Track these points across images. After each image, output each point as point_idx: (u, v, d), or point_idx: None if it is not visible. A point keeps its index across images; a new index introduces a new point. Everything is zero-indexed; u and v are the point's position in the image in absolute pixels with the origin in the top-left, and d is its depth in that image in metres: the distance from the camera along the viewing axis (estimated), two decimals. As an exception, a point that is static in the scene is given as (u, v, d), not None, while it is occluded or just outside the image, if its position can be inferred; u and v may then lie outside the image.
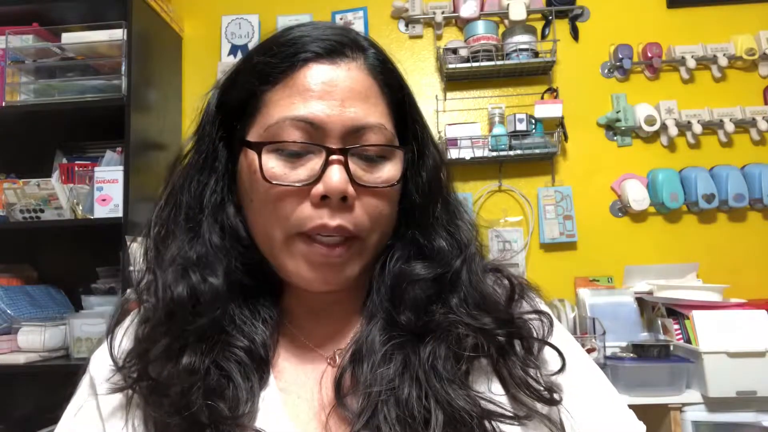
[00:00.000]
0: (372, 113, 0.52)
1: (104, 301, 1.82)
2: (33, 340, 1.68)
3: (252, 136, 0.53)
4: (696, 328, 1.52)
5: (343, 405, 0.50)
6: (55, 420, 0.59)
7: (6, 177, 1.91)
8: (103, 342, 0.58)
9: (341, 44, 0.53)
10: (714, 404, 1.46)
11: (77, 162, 1.95)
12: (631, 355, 1.56)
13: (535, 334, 0.55)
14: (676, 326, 1.65)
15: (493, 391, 0.51)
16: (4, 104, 1.85)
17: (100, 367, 0.56)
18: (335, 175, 0.50)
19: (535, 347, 0.54)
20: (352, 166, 0.51)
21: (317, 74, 0.52)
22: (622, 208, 2.04)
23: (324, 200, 0.50)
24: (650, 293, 1.80)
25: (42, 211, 1.76)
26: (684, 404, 1.48)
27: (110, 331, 0.55)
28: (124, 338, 0.55)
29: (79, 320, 1.72)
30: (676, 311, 1.67)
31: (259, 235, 0.54)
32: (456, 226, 0.59)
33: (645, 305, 1.86)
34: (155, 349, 0.51)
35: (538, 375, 0.52)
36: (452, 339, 0.52)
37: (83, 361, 0.59)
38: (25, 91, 1.90)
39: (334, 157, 0.50)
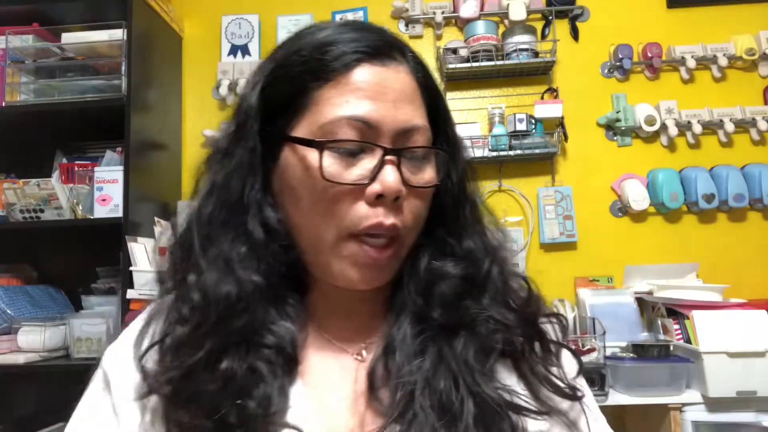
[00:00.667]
0: (418, 115, 0.54)
1: (104, 301, 1.82)
2: (33, 340, 1.68)
3: (301, 133, 0.52)
4: (696, 328, 1.52)
5: (376, 397, 0.52)
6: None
7: (6, 177, 1.91)
8: (118, 338, 0.57)
9: (388, 46, 0.55)
10: (714, 404, 1.46)
11: (77, 162, 1.95)
12: (631, 355, 1.56)
13: (552, 337, 0.59)
14: (676, 326, 1.65)
15: (514, 388, 0.54)
16: (4, 104, 1.85)
17: (115, 363, 0.55)
18: (391, 175, 0.51)
19: (554, 349, 0.57)
20: (402, 166, 0.52)
21: (370, 75, 0.52)
22: (622, 208, 2.04)
23: (379, 199, 0.51)
24: (650, 293, 1.80)
25: (42, 211, 1.76)
26: (684, 404, 1.48)
27: (142, 333, 0.54)
28: (146, 339, 0.54)
29: (79, 320, 1.71)
30: (676, 311, 1.67)
31: (306, 234, 0.54)
32: (484, 226, 0.61)
33: (645, 305, 1.86)
34: (196, 354, 0.49)
35: (561, 373, 0.56)
36: (482, 334, 0.54)
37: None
38: (25, 91, 1.90)
39: (389, 157, 0.51)
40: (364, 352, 0.57)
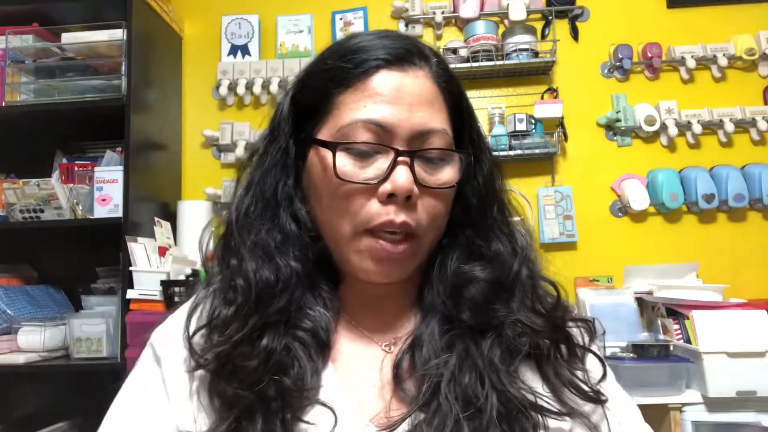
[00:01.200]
0: (436, 119, 0.56)
1: (104, 301, 1.82)
2: (33, 340, 1.68)
3: (323, 136, 0.57)
4: (696, 328, 1.52)
5: (402, 387, 0.55)
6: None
7: (6, 177, 1.91)
8: (165, 320, 0.62)
9: (409, 53, 0.57)
10: (714, 404, 1.46)
11: (77, 162, 1.95)
12: (631, 355, 1.56)
13: (579, 342, 0.60)
14: (676, 326, 1.65)
15: (538, 390, 0.55)
16: (4, 104, 1.85)
17: (164, 340, 0.59)
18: (402, 176, 0.53)
19: (579, 353, 0.59)
20: (416, 167, 0.54)
21: (387, 80, 0.55)
22: (622, 208, 2.04)
23: (390, 198, 0.54)
24: (650, 293, 1.80)
25: (42, 211, 1.76)
26: (684, 404, 1.48)
27: (190, 315, 0.58)
28: (194, 319, 0.58)
29: (78, 320, 1.71)
30: (676, 311, 1.67)
31: (327, 228, 0.58)
32: (511, 230, 0.63)
33: (645, 305, 1.86)
34: (241, 330, 0.54)
35: (586, 377, 0.57)
36: (509, 337, 0.56)
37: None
38: (25, 91, 1.90)
39: (401, 158, 0.54)
40: (393, 346, 0.60)
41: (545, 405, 0.53)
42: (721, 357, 1.45)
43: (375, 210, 0.54)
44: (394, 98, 0.54)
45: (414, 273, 0.60)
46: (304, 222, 0.59)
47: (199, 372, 0.55)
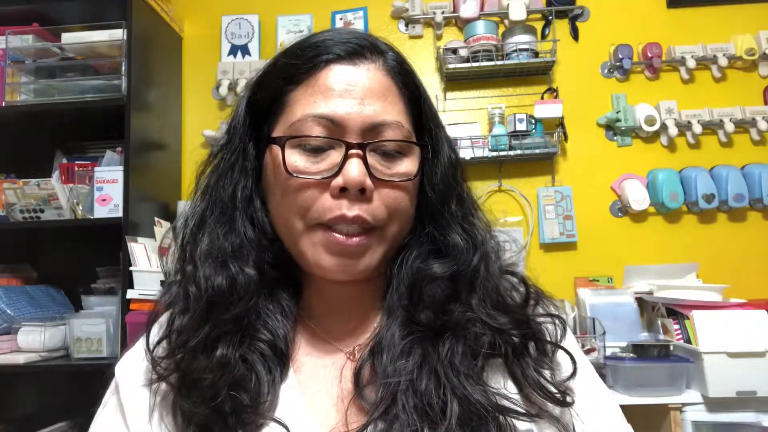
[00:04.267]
0: (389, 111, 0.55)
1: (104, 301, 1.82)
2: (33, 340, 1.68)
3: (277, 134, 0.56)
4: (696, 328, 1.52)
5: (361, 396, 0.53)
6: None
7: (6, 177, 1.91)
8: (132, 348, 0.60)
9: (361, 47, 0.56)
10: (714, 404, 1.46)
11: (77, 162, 1.95)
12: (631, 355, 1.56)
13: (548, 337, 0.57)
14: (676, 326, 1.65)
15: (507, 389, 0.53)
16: (4, 104, 1.84)
17: (126, 368, 0.58)
18: (354, 169, 0.52)
19: (549, 350, 0.57)
20: (370, 160, 0.53)
21: (338, 74, 0.55)
22: (622, 208, 2.04)
23: (343, 192, 0.53)
24: (650, 293, 1.80)
25: (42, 211, 1.76)
26: (684, 404, 1.48)
27: (149, 327, 0.58)
28: (154, 331, 0.57)
29: (79, 320, 1.71)
30: (676, 311, 1.67)
31: (281, 225, 0.57)
32: (471, 223, 0.60)
33: (645, 305, 1.86)
34: (194, 338, 0.53)
35: (552, 377, 0.55)
36: (470, 337, 0.54)
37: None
38: (25, 91, 1.90)
39: (353, 151, 0.53)
40: (356, 352, 0.58)
41: (511, 407, 0.51)
42: (721, 357, 1.45)
43: (328, 204, 0.53)
44: (345, 92, 0.54)
45: (380, 273, 0.59)
46: (263, 225, 0.58)
47: (162, 389, 0.53)
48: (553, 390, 0.53)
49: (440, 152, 0.60)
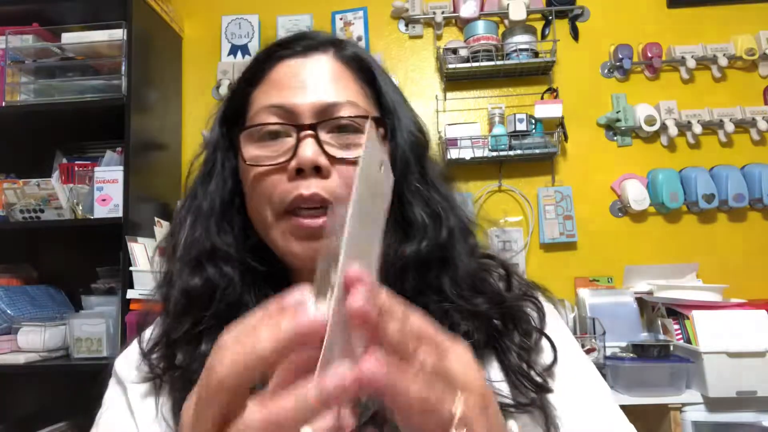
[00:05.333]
0: (342, 93, 0.56)
1: (104, 301, 1.82)
2: (33, 340, 1.68)
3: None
4: (696, 328, 1.52)
5: None
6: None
7: (6, 177, 1.91)
8: (127, 346, 0.63)
9: (312, 40, 0.59)
10: (714, 404, 1.46)
11: (77, 162, 1.95)
12: (631, 355, 1.56)
13: (532, 322, 0.56)
14: (676, 326, 1.65)
15: (491, 378, 0.53)
16: (4, 104, 1.85)
17: (125, 365, 0.60)
18: (306, 148, 0.53)
19: (534, 335, 0.56)
20: (323, 137, 0.54)
21: (290, 67, 0.57)
22: (622, 208, 2.04)
23: (300, 173, 0.53)
24: (650, 293, 1.80)
25: (42, 211, 1.76)
26: (684, 404, 1.48)
27: (141, 330, 0.60)
28: (153, 333, 0.59)
29: (79, 320, 1.71)
30: (676, 311, 1.67)
31: (256, 220, 0.58)
32: (436, 200, 0.58)
33: (645, 305, 1.86)
34: (176, 333, 0.55)
35: (532, 361, 0.54)
36: (446, 328, 0.51)
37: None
38: (25, 91, 1.90)
39: (304, 132, 0.54)
40: None
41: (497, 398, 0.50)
42: (721, 357, 1.45)
43: (286, 188, 0.54)
44: (297, 81, 0.56)
45: None
46: (244, 224, 0.60)
47: (164, 387, 0.55)
48: (532, 375, 0.53)
49: (399, 127, 0.60)
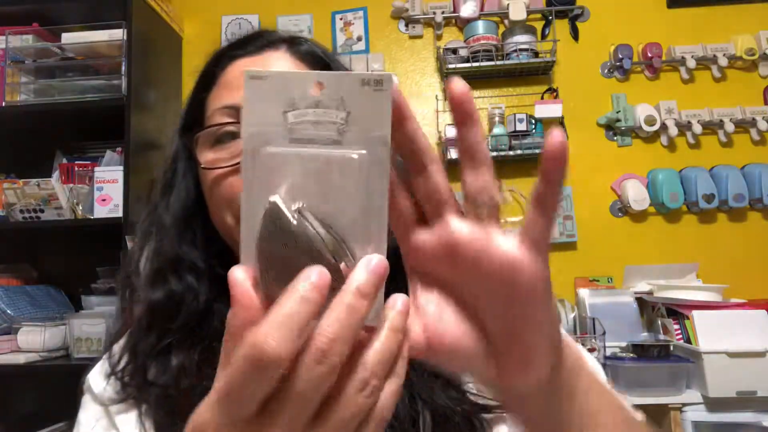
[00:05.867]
0: None
1: (104, 301, 1.82)
2: (33, 340, 1.68)
3: None
4: (696, 328, 1.52)
5: None
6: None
7: (6, 177, 1.91)
8: (98, 362, 0.60)
9: (263, 39, 0.58)
10: (714, 404, 1.46)
11: (77, 162, 1.95)
12: (631, 355, 1.56)
13: None
14: (676, 326, 1.65)
15: (474, 384, 0.51)
16: (4, 104, 1.84)
17: (100, 382, 0.57)
18: None
19: None
20: None
21: (240, 67, 0.56)
22: (622, 208, 2.04)
23: None
24: (650, 293, 1.80)
25: (42, 211, 1.75)
26: (684, 404, 1.48)
27: (110, 347, 0.58)
28: (122, 348, 0.57)
29: (79, 320, 1.71)
30: (676, 311, 1.67)
31: (217, 223, 0.57)
32: None
33: (645, 305, 1.85)
34: (143, 348, 0.53)
35: None
36: None
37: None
38: (25, 91, 1.90)
39: None
40: None
41: (486, 402, 0.49)
42: (721, 357, 1.45)
43: None
44: None
45: None
46: (209, 234, 0.58)
47: (144, 406, 0.53)
48: None
49: None
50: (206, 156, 0.55)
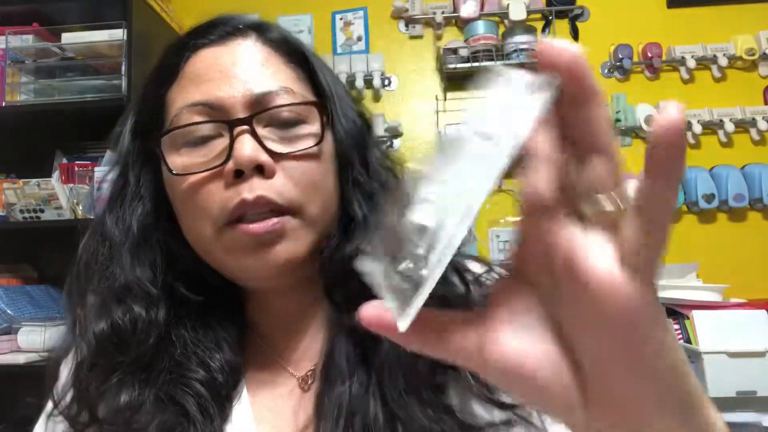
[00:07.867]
0: (273, 80, 0.49)
1: (104, 301, 1.82)
2: (33, 340, 1.68)
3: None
4: (696, 328, 1.52)
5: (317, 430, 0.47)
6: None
7: (6, 177, 1.91)
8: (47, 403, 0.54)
9: (228, 25, 0.52)
10: (714, 404, 1.46)
11: (77, 162, 1.95)
12: (631, 355, 1.56)
13: None
14: (676, 326, 1.65)
15: (460, 404, 0.48)
16: (4, 104, 1.85)
17: (54, 420, 0.52)
18: (243, 146, 0.45)
19: None
20: (261, 132, 0.47)
21: (207, 58, 0.49)
22: (622, 208, 2.04)
23: (239, 176, 0.46)
24: (650, 293, 1.80)
25: (42, 211, 1.76)
26: (684, 404, 1.48)
27: (50, 382, 0.51)
28: (67, 385, 0.51)
29: (79, 320, 1.71)
30: (676, 311, 1.67)
31: (193, 240, 0.50)
32: (383, 192, 0.52)
33: (645, 305, 1.85)
34: (89, 385, 0.48)
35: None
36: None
37: None
38: (25, 91, 1.90)
39: (239, 128, 0.46)
40: (309, 378, 0.51)
41: (469, 422, 0.45)
42: (722, 357, 1.45)
43: (226, 195, 0.46)
44: (219, 72, 0.48)
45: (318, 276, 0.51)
46: (169, 246, 0.51)
47: None
48: (493, 397, 0.47)
49: (338, 114, 0.52)
50: (177, 160, 0.47)
